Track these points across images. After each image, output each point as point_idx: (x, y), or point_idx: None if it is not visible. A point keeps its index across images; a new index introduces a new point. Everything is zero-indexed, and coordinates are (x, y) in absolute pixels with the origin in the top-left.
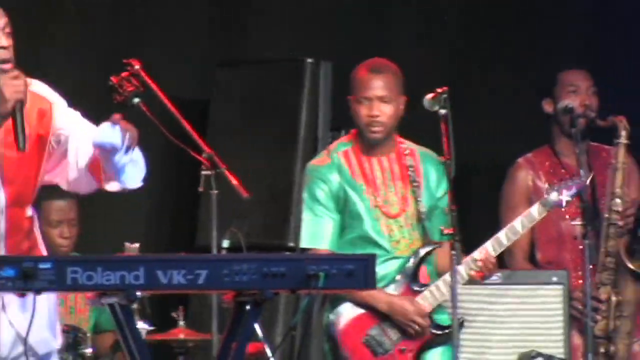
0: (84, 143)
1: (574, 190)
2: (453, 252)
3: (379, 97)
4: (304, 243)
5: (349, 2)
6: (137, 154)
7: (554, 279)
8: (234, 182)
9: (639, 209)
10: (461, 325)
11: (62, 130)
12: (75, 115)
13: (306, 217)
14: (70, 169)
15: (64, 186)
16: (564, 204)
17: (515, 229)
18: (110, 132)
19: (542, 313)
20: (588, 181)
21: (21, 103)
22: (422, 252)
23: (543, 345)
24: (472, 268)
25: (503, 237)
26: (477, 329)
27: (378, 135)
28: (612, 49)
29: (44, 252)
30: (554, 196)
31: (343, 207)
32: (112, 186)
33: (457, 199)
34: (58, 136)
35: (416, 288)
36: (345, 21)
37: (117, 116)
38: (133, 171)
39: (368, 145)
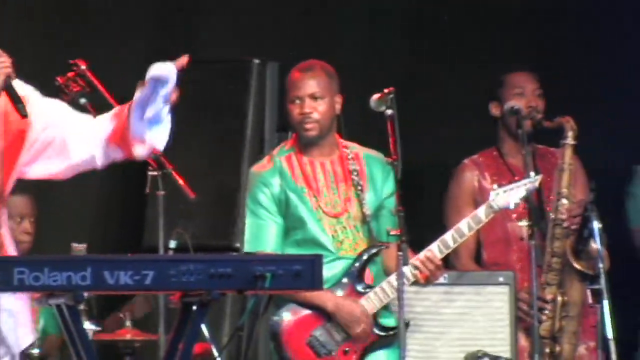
0: (86, 131)
1: (522, 193)
2: (400, 253)
3: (310, 94)
4: (247, 247)
5: (297, 3)
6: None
7: (501, 279)
8: (181, 182)
9: (585, 209)
10: (407, 326)
11: (48, 128)
12: (58, 106)
13: (250, 221)
14: (78, 165)
15: (68, 175)
16: (512, 206)
17: (461, 230)
18: (165, 67)
19: (488, 313)
20: (537, 184)
21: (9, 77)
22: (368, 253)
23: (489, 345)
24: (418, 270)
25: (449, 239)
26: (424, 330)
27: (312, 132)
28: (558, 50)
29: (12, 251)
30: (501, 198)
31: (285, 210)
32: (141, 150)
33: (404, 200)
34: (47, 136)
35: (361, 289)
36: (292, 22)
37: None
38: (160, 130)
39: (308, 148)
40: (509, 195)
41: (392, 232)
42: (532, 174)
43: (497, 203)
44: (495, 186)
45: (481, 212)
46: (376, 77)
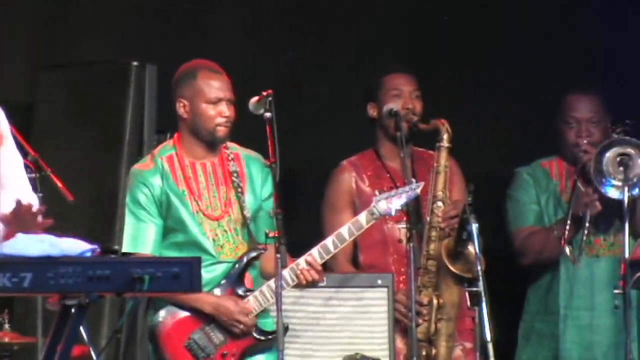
0: None
1: (403, 200)
2: (278, 255)
3: (230, 99)
4: (125, 247)
5: (175, 5)
6: None
7: (379, 281)
8: (59, 185)
9: (463, 212)
10: (286, 330)
11: None
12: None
13: (128, 221)
14: None
15: None
16: (393, 212)
17: (342, 236)
18: None
19: (366, 316)
20: (419, 191)
21: None
22: (247, 257)
23: (368, 348)
24: (298, 273)
25: (330, 244)
26: (303, 333)
27: (227, 136)
28: (436, 52)
29: None
30: (382, 205)
31: (166, 212)
32: None
33: (282, 202)
34: None
35: (241, 293)
36: (171, 24)
37: None
38: None
39: (191, 148)
40: (391, 202)
41: (271, 235)
42: (413, 181)
43: (378, 209)
44: (377, 192)
45: (362, 218)
46: (254, 79)
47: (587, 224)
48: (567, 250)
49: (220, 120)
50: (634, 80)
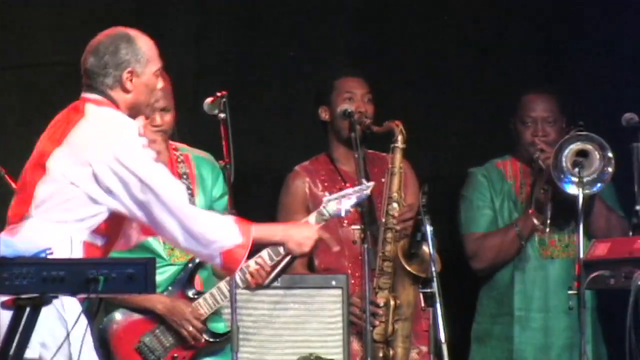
0: None
1: (353, 201)
2: None
3: (164, 107)
4: None
5: (126, 7)
6: None
7: (333, 283)
8: (13, 185)
9: (417, 213)
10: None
11: None
12: None
13: None
14: None
15: None
16: (342, 213)
17: None
18: None
19: (321, 317)
20: (369, 192)
21: None
22: (196, 260)
23: (322, 349)
24: (248, 276)
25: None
26: (256, 335)
27: (162, 144)
28: (388, 54)
29: None
30: (332, 206)
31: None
32: None
33: (236, 203)
34: None
35: (190, 295)
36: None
37: None
38: None
39: None
40: (340, 203)
41: None
42: (364, 181)
43: (328, 210)
44: (327, 193)
45: (312, 219)
46: (208, 80)
47: (548, 211)
48: (536, 220)
49: (151, 128)
50: (585, 82)
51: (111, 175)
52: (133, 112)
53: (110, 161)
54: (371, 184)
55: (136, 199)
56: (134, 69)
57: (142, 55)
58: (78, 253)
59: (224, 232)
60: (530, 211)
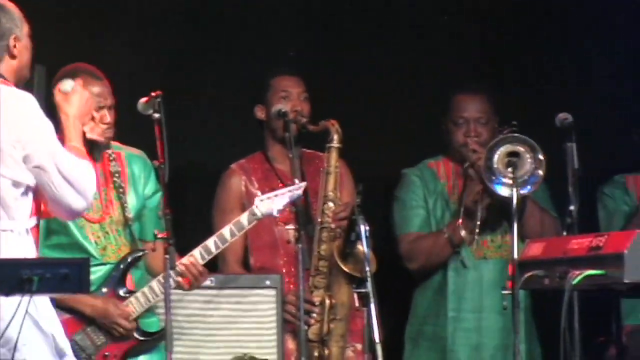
0: None
1: (286, 200)
2: (167, 256)
3: (110, 105)
4: None
5: (66, 6)
6: None
7: (267, 282)
8: None
9: (352, 212)
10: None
11: None
12: None
13: None
14: None
15: None
16: (275, 213)
17: (223, 236)
18: None
19: (255, 317)
20: (301, 191)
21: None
22: (130, 257)
23: (256, 349)
24: (181, 275)
25: (212, 245)
26: (190, 334)
27: (109, 141)
28: (324, 55)
29: None
30: (264, 205)
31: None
32: None
33: (172, 203)
34: None
35: (122, 294)
36: (60, 24)
37: None
38: None
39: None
40: (273, 202)
41: (160, 235)
42: (296, 181)
43: (260, 210)
44: (259, 193)
45: (244, 218)
46: (143, 80)
47: (479, 215)
48: (463, 232)
49: (102, 127)
50: (518, 81)
51: (28, 153)
52: (18, 76)
53: (22, 139)
54: (303, 183)
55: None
56: (16, 34)
57: (17, 19)
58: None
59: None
60: (458, 222)
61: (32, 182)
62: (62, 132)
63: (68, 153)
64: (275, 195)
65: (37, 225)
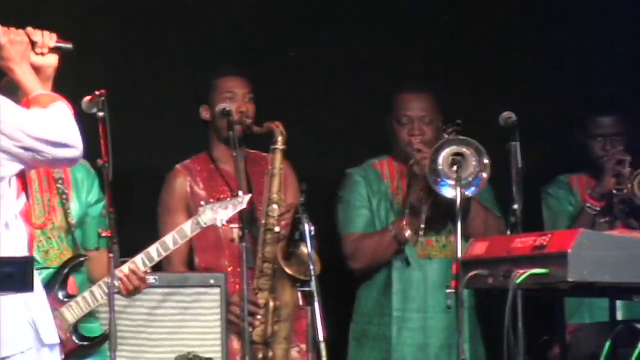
0: None
1: (229, 212)
2: (111, 255)
3: None
4: None
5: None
6: None
7: (211, 281)
8: None
9: (296, 212)
10: (105, 338)
11: None
12: None
13: None
14: None
15: None
16: (218, 223)
17: (166, 244)
18: None
19: (199, 316)
20: (245, 204)
21: None
22: (72, 262)
23: (200, 348)
24: (121, 281)
25: (154, 252)
26: (134, 335)
27: None
28: (269, 54)
29: None
30: (208, 214)
31: None
32: None
33: (116, 202)
34: None
35: (62, 297)
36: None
37: None
38: None
39: None
40: (217, 212)
41: (104, 234)
42: (240, 193)
43: (204, 219)
44: (202, 202)
45: (187, 227)
46: (87, 79)
47: (423, 215)
48: (407, 233)
49: None
50: (463, 80)
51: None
52: None
53: None
54: (248, 196)
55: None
56: None
57: None
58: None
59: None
60: (403, 222)
61: (11, 172)
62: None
63: (33, 113)
64: (219, 206)
65: (27, 203)
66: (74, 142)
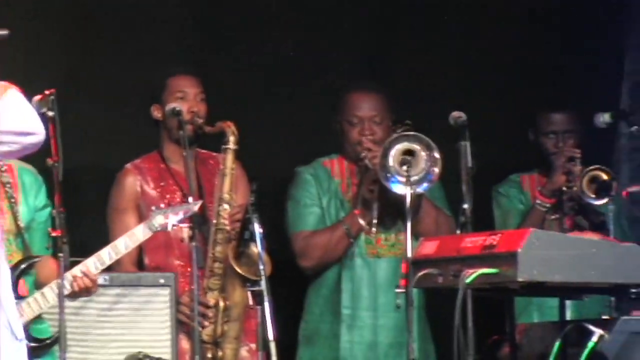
0: None
1: (180, 217)
2: (61, 254)
3: None
4: None
5: None
6: None
7: (161, 281)
8: None
9: (246, 212)
10: (55, 340)
11: None
12: None
13: None
14: None
15: None
16: (169, 228)
17: (117, 248)
18: None
19: (149, 316)
20: (196, 208)
21: None
22: (23, 264)
23: (150, 347)
24: (71, 282)
25: (105, 256)
26: (84, 335)
27: None
28: (220, 53)
29: None
30: (159, 219)
31: None
32: None
33: (66, 202)
34: None
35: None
36: None
37: None
38: None
39: None
40: (168, 217)
41: (53, 234)
42: (191, 199)
43: (155, 224)
44: (153, 207)
45: (139, 231)
46: (38, 78)
47: (374, 211)
48: (362, 220)
49: None
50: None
51: None
52: None
53: None
54: (199, 202)
55: None
56: None
57: None
58: None
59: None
60: (356, 211)
61: None
62: None
63: None
64: (170, 211)
65: None
66: (37, 128)
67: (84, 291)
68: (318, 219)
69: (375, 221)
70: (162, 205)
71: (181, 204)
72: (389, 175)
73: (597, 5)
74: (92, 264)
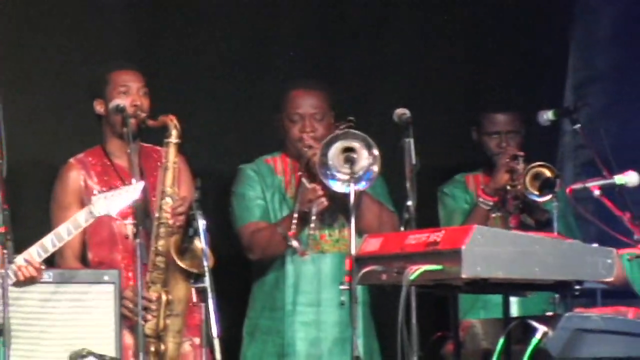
0: None
1: (123, 200)
2: (5, 251)
3: None
4: None
5: None
6: None
7: (105, 277)
8: None
9: (190, 207)
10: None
11: None
12: None
13: None
14: None
15: None
16: (112, 213)
17: (60, 235)
18: None
19: (93, 312)
20: (139, 191)
21: None
22: None
23: (94, 344)
24: (15, 271)
25: (48, 243)
26: (28, 330)
27: None
28: (163, 48)
29: None
30: (101, 204)
31: None
32: None
33: (10, 198)
34: None
35: None
36: None
37: None
38: None
39: None
40: (110, 202)
41: None
42: (133, 181)
43: (97, 209)
44: (95, 192)
45: (81, 217)
46: None
47: (313, 219)
48: (295, 243)
49: None
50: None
51: None
52: None
53: None
54: (141, 183)
55: None
56: None
57: None
58: None
59: None
60: (290, 233)
61: None
62: None
63: None
64: (113, 195)
65: None
66: None
67: (29, 280)
68: (263, 210)
69: (313, 227)
70: (104, 189)
71: (123, 187)
72: (328, 172)
73: (540, 3)
74: (35, 252)
